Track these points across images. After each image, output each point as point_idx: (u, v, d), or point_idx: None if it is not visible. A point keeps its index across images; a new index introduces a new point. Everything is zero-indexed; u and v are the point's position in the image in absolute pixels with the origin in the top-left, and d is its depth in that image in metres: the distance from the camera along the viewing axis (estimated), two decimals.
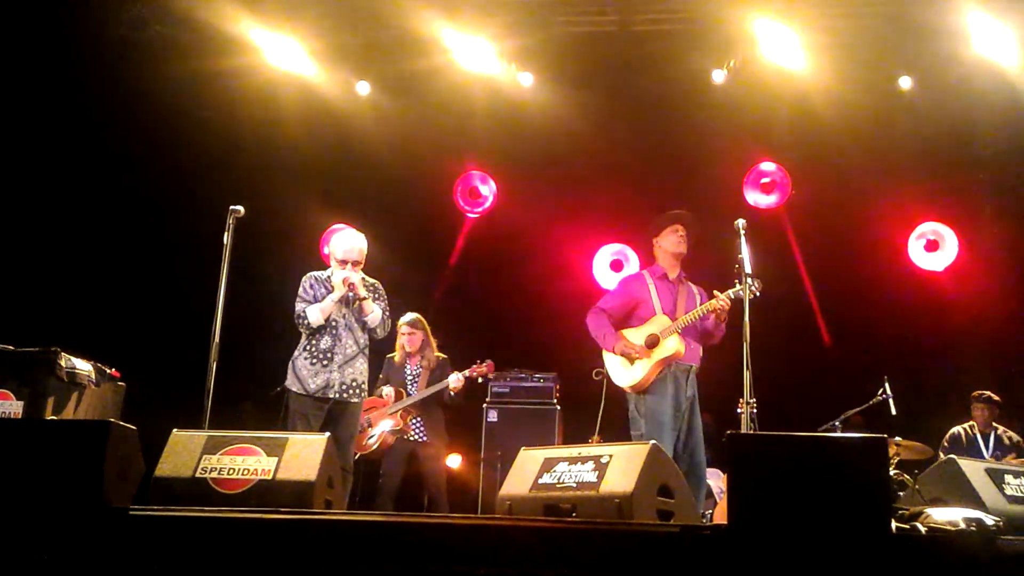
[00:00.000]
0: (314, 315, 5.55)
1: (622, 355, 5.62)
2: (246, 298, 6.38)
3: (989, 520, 3.38)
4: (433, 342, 7.28)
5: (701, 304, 5.75)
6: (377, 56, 8.73)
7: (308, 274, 5.74)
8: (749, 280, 5.38)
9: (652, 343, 5.56)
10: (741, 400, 5.20)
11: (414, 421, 7.10)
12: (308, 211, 8.59)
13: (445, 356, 7.30)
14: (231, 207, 5.29)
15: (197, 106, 8.53)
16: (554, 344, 8.38)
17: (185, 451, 4.02)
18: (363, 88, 8.96)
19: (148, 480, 3.91)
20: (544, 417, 7.92)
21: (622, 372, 5.64)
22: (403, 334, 7.17)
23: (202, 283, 5.62)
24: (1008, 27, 7.70)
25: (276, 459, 3.98)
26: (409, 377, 7.19)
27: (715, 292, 5.57)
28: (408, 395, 7.09)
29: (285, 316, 5.72)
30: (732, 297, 5.48)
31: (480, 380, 7.19)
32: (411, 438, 7.07)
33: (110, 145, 8.45)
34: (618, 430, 5.80)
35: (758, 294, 5.45)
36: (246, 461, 3.98)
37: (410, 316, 7.22)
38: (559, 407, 7.97)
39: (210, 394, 4.95)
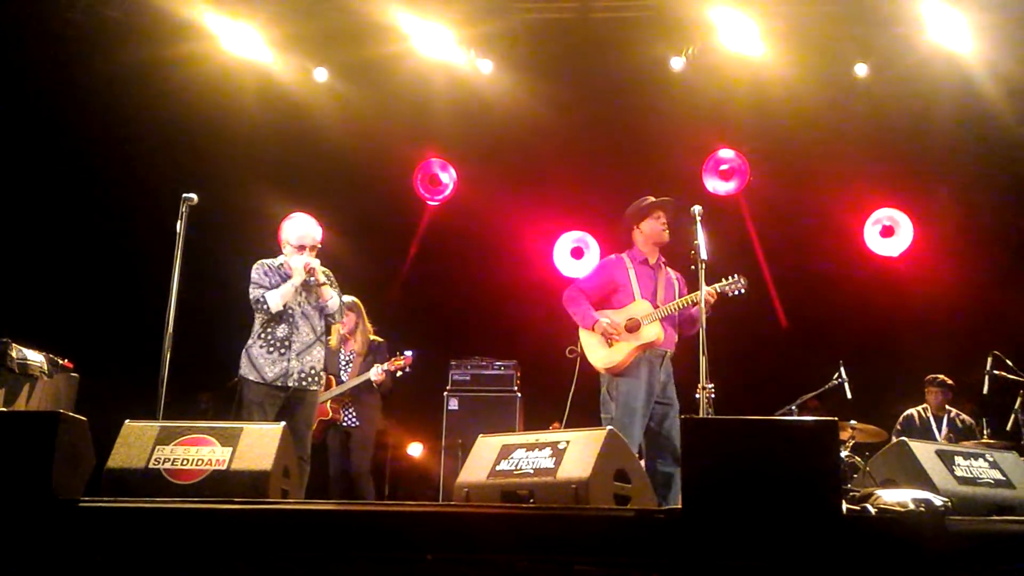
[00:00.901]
0: (274, 300, 5.47)
1: (602, 335, 5.58)
2: (201, 287, 6.31)
3: (938, 501, 3.44)
4: (369, 326, 7.21)
5: (680, 290, 5.79)
6: (335, 42, 8.64)
7: (259, 262, 5.63)
8: (736, 277, 5.52)
9: (632, 327, 5.55)
10: (699, 385, 5.23)
11: (346, 409, 7.05)
12: (264, 199, 8.47)
13: (382, 340, 7.21)
14: (184, 195, 5.25)
15: (151, 93, 8.40)
16: (515, 331, 8.39)
17: (138, 442, 3.97)
18: (321, 75, 8.84)
19: (101, 472, 3.86)
20: (505, 405, 7.93)
21: (599, 352, 5.61)
22: None
23: (156, 272, 5.55)
24: (962, 14, 7.80)
25: (231, 449, 3.94)
26: (343, 363, 7.14)
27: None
28: (339, 382, 7.05)
29: (241, 305, 5.67)
30: (718, 291, 5.52)
31: (399, 374, 7.02)
32: (344, 424, 7.03)
33: (61, 133, 8.30)
34: (587, 414, 5.79)
35: (743, 291, 5.52)
36: (200, 451, 3.94)
37: (345, 299, 7.17)
38: (520, 394, 7.99)
39: (164, 384, 4.89)
